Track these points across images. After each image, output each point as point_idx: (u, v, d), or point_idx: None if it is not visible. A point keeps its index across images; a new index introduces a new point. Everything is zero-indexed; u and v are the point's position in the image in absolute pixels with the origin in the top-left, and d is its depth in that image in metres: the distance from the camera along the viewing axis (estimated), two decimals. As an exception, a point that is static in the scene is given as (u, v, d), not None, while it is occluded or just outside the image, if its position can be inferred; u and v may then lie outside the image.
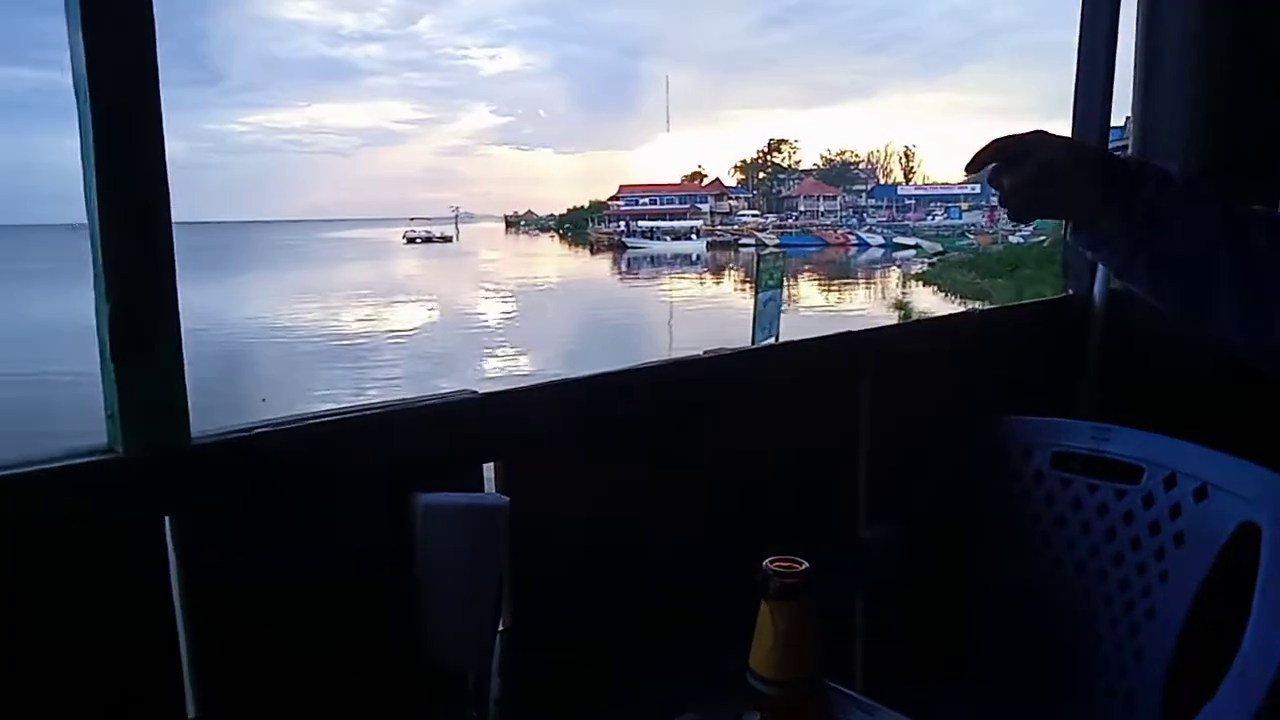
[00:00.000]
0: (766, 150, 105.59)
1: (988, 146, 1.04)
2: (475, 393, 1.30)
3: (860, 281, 42.30)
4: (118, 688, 0.99)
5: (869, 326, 1.94)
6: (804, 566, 0.71)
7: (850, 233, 66.55)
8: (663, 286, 39.57)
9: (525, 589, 1.29)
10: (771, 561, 0.71)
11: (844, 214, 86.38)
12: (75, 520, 0.96)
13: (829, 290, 36.98)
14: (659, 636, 1.31)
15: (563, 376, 1.40)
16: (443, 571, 1.10)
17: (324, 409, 1.20)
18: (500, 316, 27.44)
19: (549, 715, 1.25)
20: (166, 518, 1.01)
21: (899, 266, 45.11)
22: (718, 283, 42.14)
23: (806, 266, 46.36)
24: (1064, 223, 1.15)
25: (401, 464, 1.18)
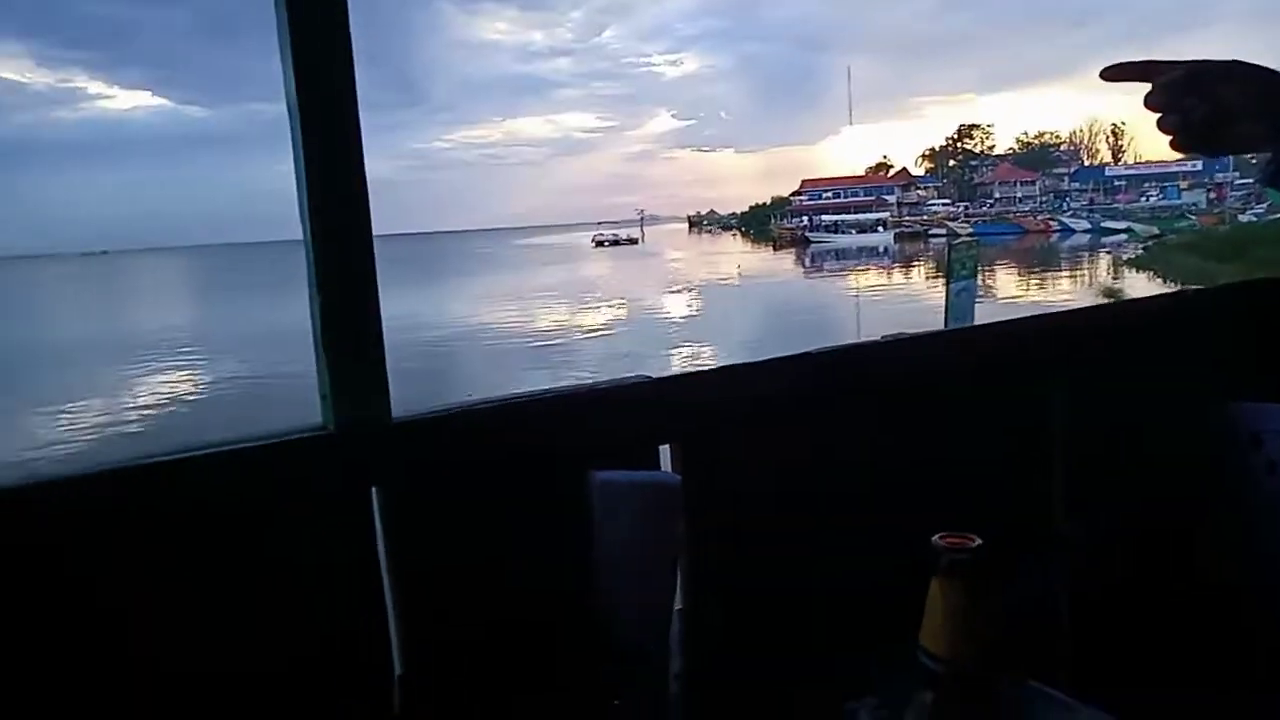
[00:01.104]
0: (956, 137, 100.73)
1: (1157, 75, 0.91)
2: (650, 377, 1.34)
3: (1065, 270, 39.44)
4: (331, 647, 1.10)
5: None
6: (976, 543, 0.68)
7: (1051, 218, 62.14)
8: (848, 280, 38.60)
9: (702, 568, 1.31)
10: (942, 538, 0.69)
11: (1043, 199, 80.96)
12: (294, 489, 1.08)
13: (1030, 279, 34.72)
14: (833, 619, 1.30)
15: (736, 361, 1.41)
16: (619, 547, 1.14)
17: (508, 394, 1.28)
18: (686, 314, 27.71)
19: (728, 694, 1.27)
20: (374, 489, 1.11)
21: (1108, 252, 41.67)
22: (906, 275, 40.58)
23: (1004, 255, 43.76)
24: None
25: (582, 444, 1.24)
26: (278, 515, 1.06)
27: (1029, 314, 1.77)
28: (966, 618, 0.67)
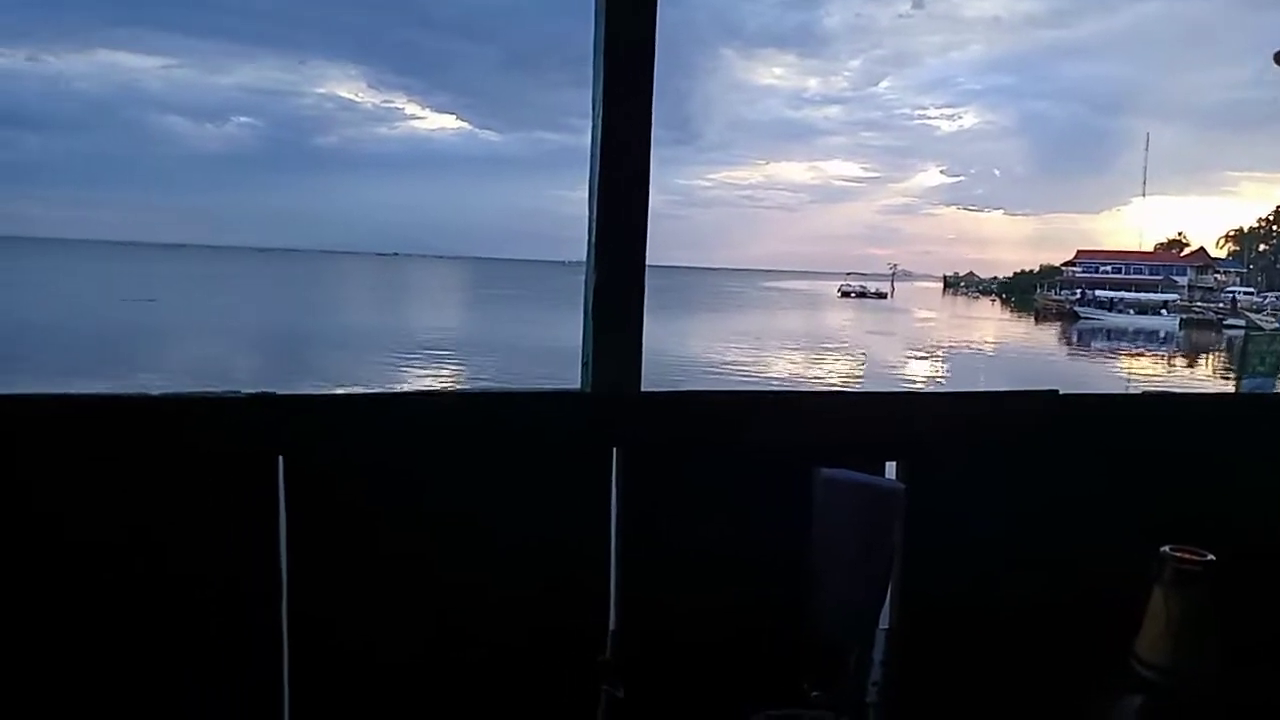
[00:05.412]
0: (1272, 218, 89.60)
1: None
2: (882, 392, 1.37)
3: (1397, 382, 33.61)
4: (556, 586, 1.22)
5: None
6: (1207, 557, 0.67)
7: (1385, 321, 53.34)
8: (1118, 365, 35.29)
9: (914, 588, 1.31)
10: (1173, 549, 0.68)
11: (1378, 298, 69.79)
12: (549, 436, 1.22)
13: (1346, 388, 29.96)
14: (1044, 653, 1.25)
15: (979, 389, 1.41)
16: (835, 544, 1.17)
17: (748, 389, 1.36)
18: (928, 377, 26.55)
19: (925, 713, 1.25)
20: (614, 449, 1.22)
21: None
22: (1190, 366, 36.48)
23: (1316, 357, 38.03)
24: None
25: (809, 444, 1.29)
26: (532, 456, 1.20)
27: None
28: (1188, 629, 0.65)
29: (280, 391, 1.17)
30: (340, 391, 1.21)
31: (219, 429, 1.14)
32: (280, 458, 1.13)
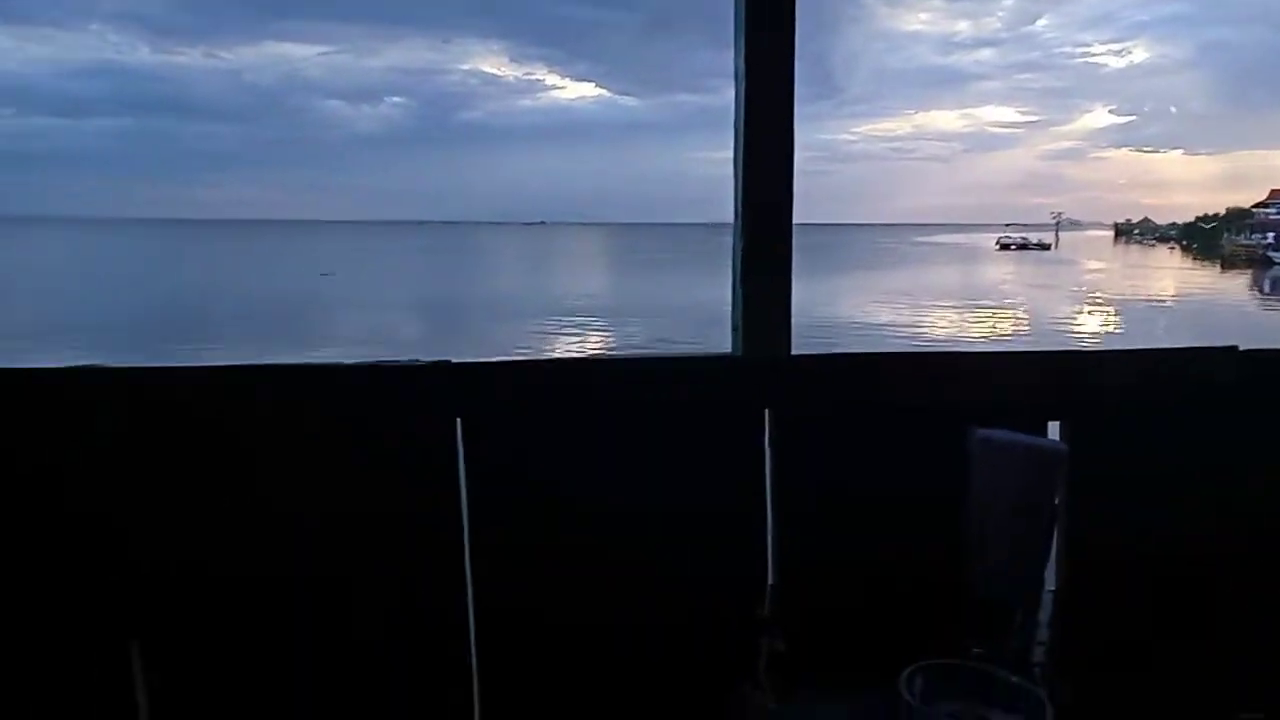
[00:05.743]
0: None
1: None
2: (1043, 351, 1.33)
3: None
4: (714, 542, 1.27)
5: None
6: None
7: None
8: (1325, 315, 31.89)
9: (1081, 549, 1.28)
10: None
11: None
12: (703, 398, 1.26)
13: None
14: (1205, 621, 1.20)
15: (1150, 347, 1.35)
16: (994, 504, 1.16)
17: (899, 350, 1.36)
18: (1099, 333, 24.92)
19: (1098, 676, 1.23)
20: (767, 411, 1.25)
21: None
22: None
23: None
24: None
25: (967, 404, 1.27)
26: (687, 419, 1.25)
27: None
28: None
29: (454, 359, 1.26)
30: (507, 359, 1.29)
31: (404, 394, 1.24)
32: (459, 420, 1.23)
